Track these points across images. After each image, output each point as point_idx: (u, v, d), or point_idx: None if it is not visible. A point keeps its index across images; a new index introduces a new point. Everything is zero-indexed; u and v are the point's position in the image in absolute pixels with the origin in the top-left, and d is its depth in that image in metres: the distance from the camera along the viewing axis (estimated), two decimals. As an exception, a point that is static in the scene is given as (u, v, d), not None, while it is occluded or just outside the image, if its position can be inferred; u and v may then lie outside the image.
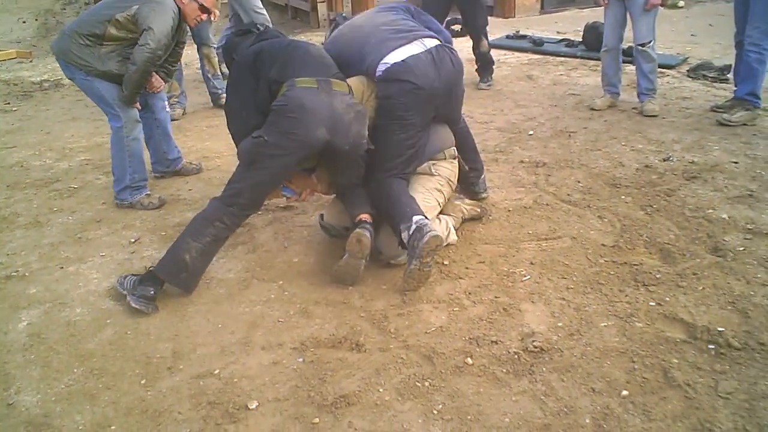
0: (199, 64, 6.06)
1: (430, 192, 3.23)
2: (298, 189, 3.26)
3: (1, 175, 4.65)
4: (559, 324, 2.66)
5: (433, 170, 3.27)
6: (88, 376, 2.55)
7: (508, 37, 8.22)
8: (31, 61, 8.30)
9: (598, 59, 5.81)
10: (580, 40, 7.45)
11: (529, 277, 3.01)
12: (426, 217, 2.95)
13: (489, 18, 9.70)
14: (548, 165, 4.27)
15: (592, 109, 5.40)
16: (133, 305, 2.88)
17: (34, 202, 4.17)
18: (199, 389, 2.44)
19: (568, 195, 3.80)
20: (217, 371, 2.52)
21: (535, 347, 2.50)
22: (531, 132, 4.93)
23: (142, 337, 2.77)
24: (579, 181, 3.98)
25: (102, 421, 2.31)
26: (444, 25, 8.63)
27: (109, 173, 4.07)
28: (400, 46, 3.06)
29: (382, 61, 3.04)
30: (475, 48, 6.22)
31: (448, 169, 3.32)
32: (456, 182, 3.41)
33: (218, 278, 3.18)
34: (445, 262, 3.16)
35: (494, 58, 6.38)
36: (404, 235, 2.91)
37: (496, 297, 2.87)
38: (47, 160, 4.92)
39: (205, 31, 5.78)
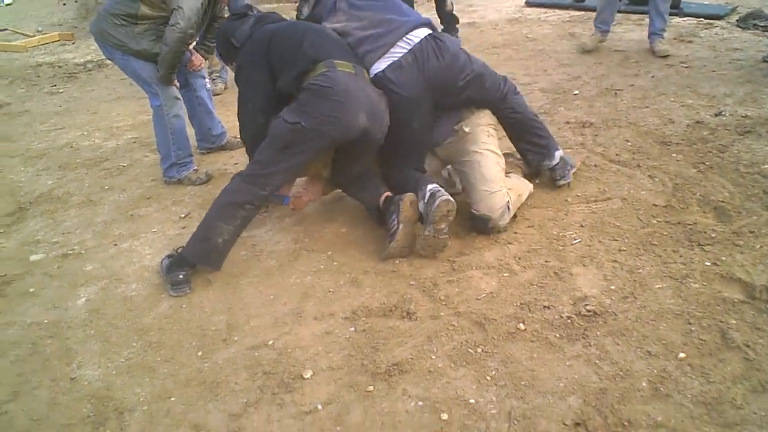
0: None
1: (486, 141, 3.15)
2: (292, 195, 3.32)
3: (52, 156, 4.77)
4: (612, 287, 2.62)
5: (467, 129, 3.16)
6: (146, 350, 2.62)
7: (548, -6, 8.01)
8: (73, 43, 8.45)
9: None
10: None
11: (579, 240, 2.96)
12: (440, 185, 2.93)
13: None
14: (595, 125, 4.17)
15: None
16: (172, 294, 2.94)
17: (86, 182, 4.27)
18: (255, 360, 2.48)
19: (617, 155, 3.72)
20: (271, 342, 2.57)
21: (588, 311, 2.47)
22: (576, 91, 4.82)
23: (197, 311, 2.83)
24: (627, 140, 3.88)
25: (162, 392, 2.38)
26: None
27: (156, 151, 4.12)
28: (383, 55, 2.99)
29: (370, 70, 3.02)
30: (440, 8, 6.39)
31: (483, 117, 3.22)
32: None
33: (268, 250, 3.21)
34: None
35: (535, 17, 6.24)
36: (420, 205, 2.91)
37: (546, 261, 2.84)
38: (96, 140, 5.02)
39: (242, 4, 5.77)
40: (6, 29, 9.16)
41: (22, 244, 3.55)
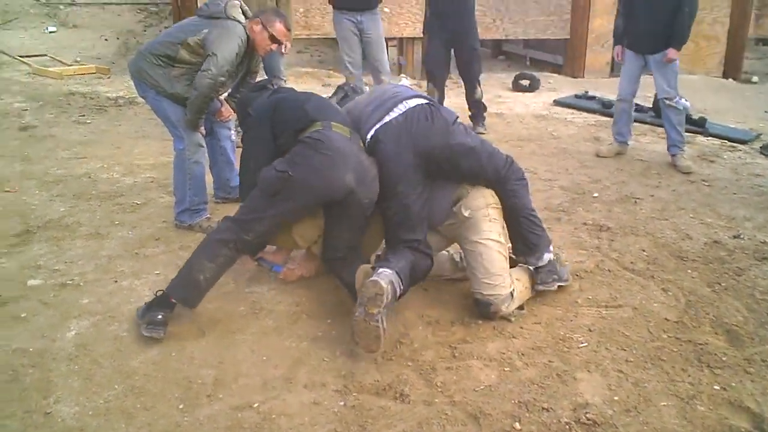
0: (269, 95, 6.16)
1: (487, 229, 3.07)
2: (285, 267, 3.36)
3: (68, 184, 4.77)
4: (615, 398, 2.52)
5: (466, 213, 3.06)
6: (128, 394, 2.53)
7: (576, 96, 8.15)
8: (109, 77, 8.61)
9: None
10: (650, 106, 7.31)
11: (586, 344, 2.89)
12: (392, 270, 2.81)
13: (558, 75, 9.74)
14: (612, 230, 4.14)
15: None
16: (145, 334, 2.85)
17: (97, 214, 4.25)
18: (237, 421, 2.39)
19: (632, 263, 3.67)
20: (256, 405, 2.47)
21: (588, 420, 2.37)
22: (596, 194, 4.82)
23: (186, 361, 2.74)
24: (644, 250, 3.85)
25: (136, 442, 2.28)
26: (513, 79, 8.73)
27: (172, 193, 4.12)
28: (379, 119, 3.09)
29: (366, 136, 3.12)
30: (469, 96, 6.55)
31: (481, 197, 3.11)
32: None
33: (268, 309, 3.15)
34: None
35: (562, 117, 6.34)
36: None
37: (550, 361, 2.76)
38: (114, 174, 5.03)
39: (277, 63, 5.90)
40: (45, 55, 9.38)
41: (22, 267, 3.50)
